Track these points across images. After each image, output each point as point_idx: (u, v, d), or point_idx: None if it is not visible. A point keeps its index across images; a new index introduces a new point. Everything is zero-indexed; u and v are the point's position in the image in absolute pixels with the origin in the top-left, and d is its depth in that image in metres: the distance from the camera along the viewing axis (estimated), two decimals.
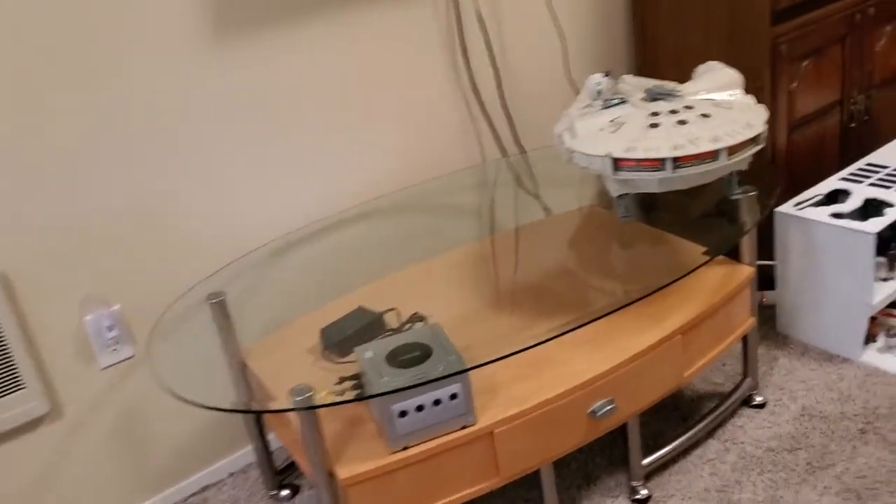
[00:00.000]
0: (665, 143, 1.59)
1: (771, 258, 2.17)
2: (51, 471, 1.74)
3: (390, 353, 1.47)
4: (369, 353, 1.48)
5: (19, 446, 1.69)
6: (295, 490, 1.89)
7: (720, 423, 1.89)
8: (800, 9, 2.12)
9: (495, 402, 1.51)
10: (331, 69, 1.91)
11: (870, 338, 2.07)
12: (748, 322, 1.84)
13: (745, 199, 1.77)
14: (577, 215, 2.09)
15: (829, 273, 2.00)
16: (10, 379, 1.62)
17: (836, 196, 2.11)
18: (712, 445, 1.83)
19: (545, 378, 1.56)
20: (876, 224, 1.93)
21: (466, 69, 2.12)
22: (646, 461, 1.76)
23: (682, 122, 1.63)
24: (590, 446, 1.88)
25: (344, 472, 1.41)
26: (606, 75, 1.75)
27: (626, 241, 1.96)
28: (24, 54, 1.53)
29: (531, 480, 1.74)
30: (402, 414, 1.40)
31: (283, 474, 1.91)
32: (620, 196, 1.73)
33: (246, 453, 1.99)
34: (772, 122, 2.14)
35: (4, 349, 1.60)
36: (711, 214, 1.93)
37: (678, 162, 1.57)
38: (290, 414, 1.59)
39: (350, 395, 1.46)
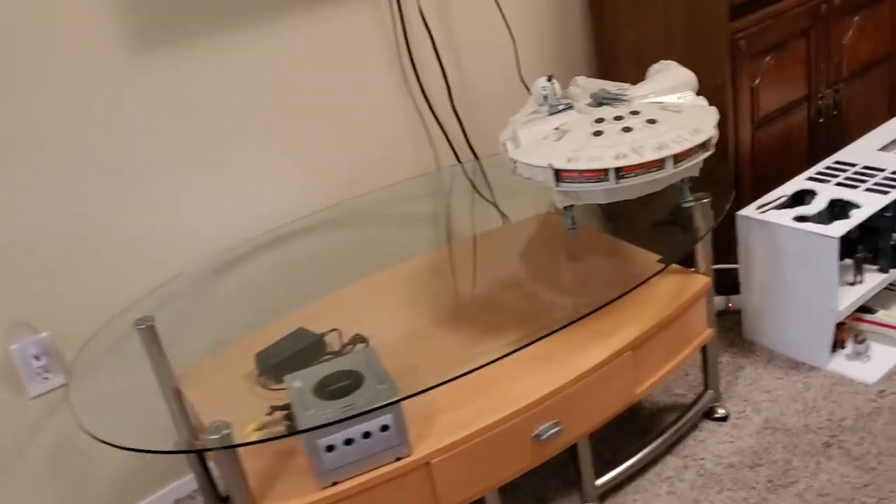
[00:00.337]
0: (608, 151, 1.51)
1: (736, 261, 2.10)
2: None
3: (319, 382, 1.40)
4: (298, 383, 1.40)
5: None
6: None
7: (680, 438, 1.82)
8: (759, 2, 2.03)
9: (432, 430, 1.44)
10: (268, 78, 1.83)
11: (839, 343, 1.99)
12: (706, 333, 1.76)
13: (700, 206, 1.69)
14: (533, 224, 2.01)
15: (793, 278, 1.92)
16: None
17: (802, 197, 2.03)
18: (671, 462, 1.76)
19: (486, 402, 1.49)
20: (840, 227, 1.85)
21: (414, 73, 2.04)
22: (600, 481, 1.69)
23: (626, 130, 1.55)
24: (543, 466, 1.81)
25: None
26: (550, 79, 1.67)
27: (580, 251, 1.88)
28: None
29: None
30: (330, 448, 1.33)
31: (228, 500, 1.85)
32: (567, 207, 1.66)
33: (191, 479, 1.93)
34: (734, 120, 2.06)
35: None
36: (668, 222, 1.86)
37: (621, 172, 1.49)
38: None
39: (281, 427, 1.39)
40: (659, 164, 1.50)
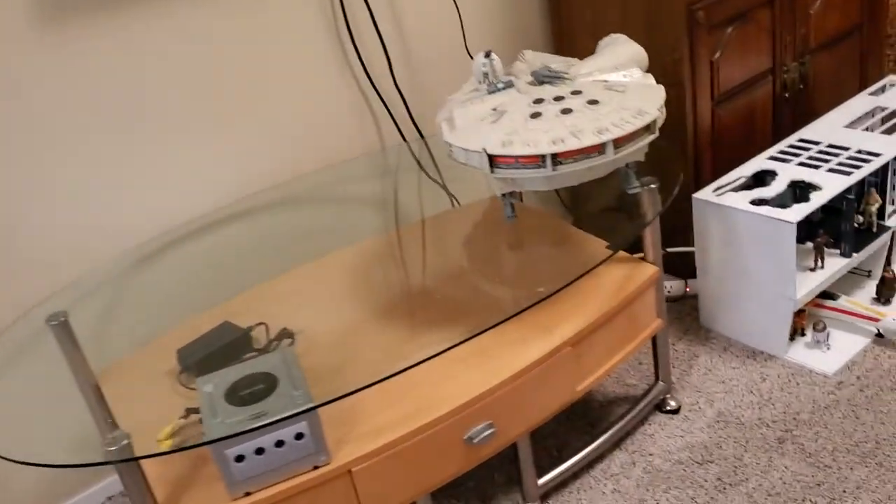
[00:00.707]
0: (545, 136, 1.40)
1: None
2: None
3: (232, 386, 1.31)
4: (209, 387, 1.31)
5: None
6: None
7: (629, 432, 1.74)
8: None
9: (355, 435, 1.35)
10: (195, 55, 1.71)
11: (798, 331, 1.91)
12: (655, 324, 1.68)
13: (648, 192, 1.59)
14: (480, 207, 1.91)
15: (749, 264, 1.83)
16: None
17: (763, 177, 1.94)
18: (618, 458, 1.69)
19: (415, 403, 1.40)
20: (798, 211, 1.76)
21: (353, 46, 1.92)
22: (543, 480, 1.62)
23: (566, 111, 1.45)
24: (489, 462, 1.73)
25: None
26: (488, 55, 1.56)
27: (527, 238, 1.79)
28: None
29: None
30: (240, 458, 1.24)
31: None
32: (507, 194, 1.56)
33: None
34: (693, 96, 1.95)
35: None
36: (619, 207, 1.76)
37: (558, 158, 1.39)
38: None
39: (195, 430, 1.31)
40: (599, 149, 1.40)
